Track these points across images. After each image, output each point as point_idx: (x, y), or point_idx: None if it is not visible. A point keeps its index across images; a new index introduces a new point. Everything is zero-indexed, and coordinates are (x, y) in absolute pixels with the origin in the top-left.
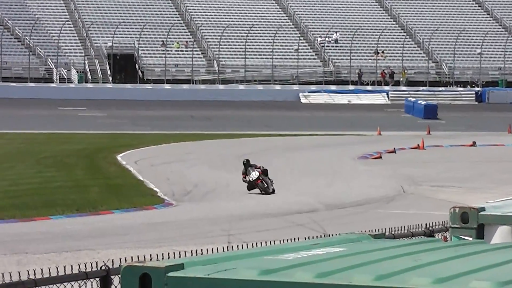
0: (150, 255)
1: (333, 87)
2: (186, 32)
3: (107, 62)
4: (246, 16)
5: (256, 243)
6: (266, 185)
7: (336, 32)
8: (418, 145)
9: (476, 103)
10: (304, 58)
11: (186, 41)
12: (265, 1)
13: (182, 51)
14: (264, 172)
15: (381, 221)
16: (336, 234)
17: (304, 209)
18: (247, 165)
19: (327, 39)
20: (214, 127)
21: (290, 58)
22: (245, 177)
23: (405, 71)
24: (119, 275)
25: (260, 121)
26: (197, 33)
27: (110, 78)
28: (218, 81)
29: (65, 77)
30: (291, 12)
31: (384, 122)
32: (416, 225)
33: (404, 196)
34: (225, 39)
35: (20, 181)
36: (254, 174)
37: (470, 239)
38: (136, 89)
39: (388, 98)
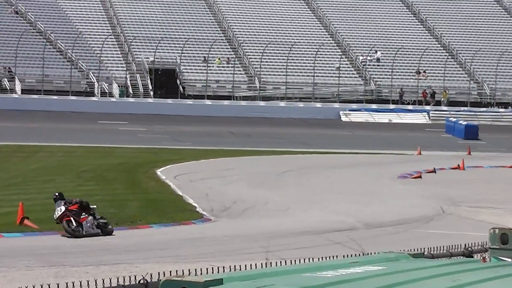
0: (189, 270)
1: (374, 106)
2: (228, 48)
3: (148, 76)
4: (288, 33)
5: (295, 260)
6: (73, 226)
7: (377, 51)
8: (458, 165)
9: None
10: (345, 76)
11: (228, 57)
12: (307, 18)
13: (224, 67)
14: (81, 207)
15: (419, 240)
16: (374, 253)
17: (342, 228)
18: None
19: (368, 57)
20: (253, 144)
21: (332, 76)
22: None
23: (447, 91)
24: None
25: (300, 139)
26: (239, 49)
27: (151, 92)
28: (259, 97)
29: (107, 91)
30: (333, 30)
31: (425, 141)
32: (455, 245)
33: (443, 217)
34: (266, 55)
35: None
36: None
37: (510, 260)
38: (177, 104)
39: (429, 118)
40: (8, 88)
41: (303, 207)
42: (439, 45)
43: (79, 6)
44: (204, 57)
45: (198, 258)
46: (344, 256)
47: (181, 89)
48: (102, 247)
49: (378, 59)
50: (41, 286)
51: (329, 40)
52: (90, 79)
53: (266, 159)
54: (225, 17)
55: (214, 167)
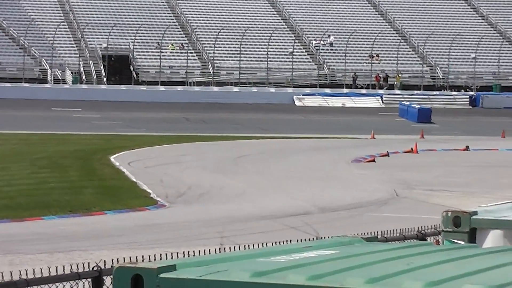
0: (143, 256)
1: (327, 90)
2: (181, 34)
3: (101, 63)
4: (241, 18)
5: (249, 245)
6: None
7: (331, 35)
8: (412, 149)
9: (470, 107)
10: (299, 61)
11: (181, 43)
12: (260, 3)
13: (177, 53)
14: None
15: (374, 224)
16: (329, 237)
17: (297, 212)
18: None
19: (322, 42)
20: (208, 129)
21: (285, 61)
22: None
23: (400, 75)
24: (111, 276)
25: (255, 124)
26: (192, 35)
27: (105, 79)
28: (213, 83)
29: (60, 78)
30: (286, 15)
31: (378, 125)
32: (408, 228)
33: (398, 200)
34: (220, 41)
35: (13, 181)
36: None
37: (462, 243)
38: (131, 91)
39: (382, 102)
40: None
41: (258, 192)
42: (392, 29)
43: None
44: (158, 43)
45: (153, 244)
46: (298, 240)
47: (135, 76)
48: (57, 234)
49: (331, 44)
50: None
51: (282, 25)
52: (43, 66)
53: (221, 145)
54: (178, 3)
55: (169, 153)
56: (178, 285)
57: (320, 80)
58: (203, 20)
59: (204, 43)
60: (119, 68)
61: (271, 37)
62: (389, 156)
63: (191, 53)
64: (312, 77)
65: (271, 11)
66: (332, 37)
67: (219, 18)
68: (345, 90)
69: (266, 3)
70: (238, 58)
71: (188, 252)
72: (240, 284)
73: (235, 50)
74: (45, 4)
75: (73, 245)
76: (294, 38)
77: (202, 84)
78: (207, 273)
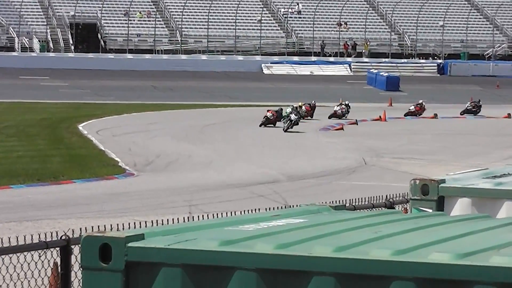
0: (111, 225)
1: (295, 58)
2: (149, 1)
3: (69, 31)
4: None
5: (217, 214)
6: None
7: (299, 3)
8: (380, 117)
9: (438, 75)
10: (267, 29)
11: (149, 11)
12: None
13: (145, 21)
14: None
15: (342, 192)
16: (297, 206)
17: (266, 180)
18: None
19: (290, 10)
20: (176, 98)
21: (253, 29)
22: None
23: (368, 43)
24: (80, 245)
25: (223, 92)
26: (160, 3)
27: (72, 47)
28: (181, 51)
29: (27, 46)
30: None
31: (346, 93)
32: (377, 197)
33: (366, 168)
34: (188, 9)
35: None
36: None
37: (430, 211)
38: (98, 59)
39: (351, 70)
40: None
41: (226, 161)
42: None
43: None
44: (125, 11)
45: (121, 213)
46: (266, 209)
47: (102, 44)
48: (25, 203)
49: (299, 12)
50: None
51: None
52: (10, 34)
53: (189, 113)
54: None
55: (137, 122)
56: (146, 254)
57: (288, 48)
58: None
59: (172, 11)
60: (86, 36)
61: (239, 5)
62: (357, 124)
63: (159, 21)
64: (280, 45)
65: None
66: (300, 5)
67: None
68: (313, 58)
69: None
70: (206, 26)
71: (157, 221)
72: (209, 252)
73: (203, 18)
74: None
75: (41, 214)
76: (262, 6)
77: (170, 52)
78: (175, 242)
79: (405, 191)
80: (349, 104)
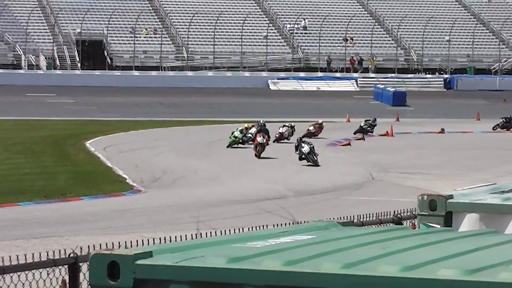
0: (119, 242)
1: (302, 74)
2: (155, 18)
3: (75, 48)
4: (216, 2)
5: (225, 231)
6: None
7: (304, 19)
8: (387, 132)
9: (445, 90)
10: (273, 45)
11: (155, 28)
12: None
13: (151, 37)
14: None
15: (349, 208)
16: (304, 222)
17: (273, 196)
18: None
19: (296, 26)
20: (183, 114)
21: (259, 45)
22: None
23: (374, 58)
24: (88, 263)
25: (229, 108)
26: (166, 19)
27: (79, 64)
28: (187, 67)
29: (34, 63)
30: None
31: (353, 109)
32: (384, 212)
33: (373, 183)
34: (194, 25)
35: None
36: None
37: (438, 226)
38: (105, 76)
39: (357, 85)
40: None
41: (233, 176)
42: (365, 12)
43: None
44: (131, 27)
45: (129, 229)
46: (274, 225)
47: (109, 60)
48: (32, 220)
49: (305, 27)
50: None
51: (256, 8)
52: (17, 51)
53: (196, 129)
54: None
55: (144, 138)
56: (154, 272)
57: (295, 64)
58: (176, 4)
59: (178, 28)
60: (93, 53)
61: (245, 21)
62: (364, 139)
63: (165, 37)
64: (286, 61)
65: None
66: (305, 21)
67: (193, 2)
68: (320, 74)
69: None
70: (212, 43)
71: (164, 238)
72: (216, 270)
73: (209, 35)
74: None
75: (49, 231)
76: (268, 22)
77: (176, 68)
78: (183, 259)
79: (413, 206)
80: (294, 126)
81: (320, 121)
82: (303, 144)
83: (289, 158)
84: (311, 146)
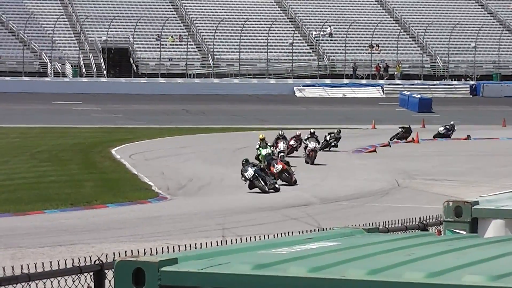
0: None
1: (327, 81)
2: (181, 25)
3: (101, 56)
4: (241, 10)
5: (250, 237)
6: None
7: (330, 26)
8: (413, 138)
9: (471, 96)
10: (298, 52)
11: (181, 35)
12: None
13: (177, 45)
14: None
15: (375, 215)
16: (330, 228)
17: (298, 203)
18: (246, 164)
19: (321, 33)
20: (208, 121)
21: (285, 52)
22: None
23: (400, 65)
24: (113, 270)
25: (255, 115)
26: (192, 27)
27: (105, 72)
28: (213, 75)
29: (60, 71)
30: (285, 6)
31: (379, 115)
32: (410, 219)
33: (399, 190)
34: (219, 33)
35: (14, 175)
36: (278, 167)
37: (464, 233)
38: (131, 83)
39: (383, 92)
40: None
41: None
42: (391, 19)
43: None
44: (157, 35)
45: (154, 237)
46: (299, 232)
47: (135, 68)
48: (58, 227)
49: (330, 34)
50: None
51: (282, 16)
52: (43, 59)
53: (221, 136)
54: None
55: (169, 146)
56: (180, 278)
57: (320, 70)
58: (202, 11)
59: (204, 35)
60: (118, 60)
61: (271, 28)
62: (390, 146)
63: (191, 45)
64: (312, 68)
65: (270, 2)
66: (331, 28)
67: (218, 9)
68: (345, 81)
69: None
70: (238, 50)
71: (190, 245)
72: (242, 276)
73: (235, 42)
74: None
75: (74, 239)
76: (293, 29)
77: (202, 76)
78: (208, 266)
79: (438, 213)
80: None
81: (298, 132)
82: (246, 167)
83: (315, 165)
84: (258, 167)
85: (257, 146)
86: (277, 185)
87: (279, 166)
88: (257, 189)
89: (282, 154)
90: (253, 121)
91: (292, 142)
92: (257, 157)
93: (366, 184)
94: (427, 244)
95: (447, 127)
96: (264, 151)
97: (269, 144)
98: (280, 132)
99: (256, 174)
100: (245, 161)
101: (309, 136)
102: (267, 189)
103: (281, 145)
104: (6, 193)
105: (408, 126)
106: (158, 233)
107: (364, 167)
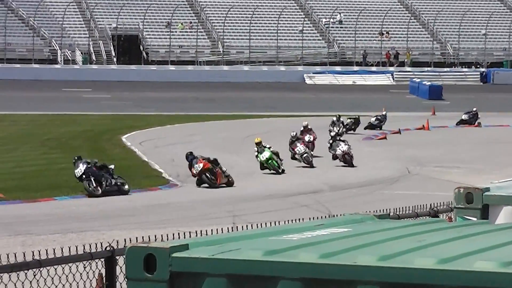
0: (155, 236)
1: (337, 68)
2: (191, 13)
3: (111, 43)
4: None
5: (261, 224)
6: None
7: (340, 13)
8: (423, 126)
9: (481, 83)
10: (308, 39)
11: (191, 22)
12: None
13: (187, 32)
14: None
15: (385, 202)
16: (340, 215)
17: (308, 190)
18: (191, 156)
19: (331, 20)
20: (218, 109)
21: (295, 39)
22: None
23: (410, 52)
24: (124, 256)
25: (265, 103)
26: (202, 14)
27: (115, 59)
28: (223, 62)
29: (70, 58)
30: None
31: (389, 103)
32: (421, 205)
33: (409, 177)
34: (229, 20)
35: (24, 163)
36: (198, 166)
37: (475, 219)
38: (141, 71)
39: (393, 79)
40: None
41: (268, 171)
42: (401, 6)
43: None
44: (167, 22)
45: (164, 223)
46: (310, 218)
47: (145, 55)
48: (69, 215)
49: (340, 21)
50: (7, 255)
51: (292, 3)
52: (53, 46)
53: (231, 124)
54: None
55: (179, 133)
56: (191, 264)
57: (330, 58)
58: None
59: (214, 22)
60: (128, 48)
61: (281, 15)
62: (400, 133)
63: (201, 32)
64: (322, 55)
65: None
66: (341, 15)
67: None
68: (356, 68)
69: None
70: (248, 37)
71: (201, 231)
72: (253, 262)
73: (245, 29)
74: None
75: (85, 225)
76: (303, 16)
77: (212, 63)
78: (219, 252)
79: (449, 199)
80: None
81: (305, 123)
82: (78, 163)
83: (325, 153)
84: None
85: (255, 153)
86: (125, 187)
87: (199, 166)
88: (270, 173)
89: (306, 155)
90: (263, 108)
91: (307, 138)
92: (261, 165)
93: (376, 172)
94: (438, 230)
95: (471, 114)
96: (263, 156)
97: (267, 146)
98: (293, 133)
99: (89, 173)
100: (77, 158)
101: (335, 121)
102: (99, 193)
103: (300, 148)
104: (16, 180)
105: (357, 117)
106: (168, 220)
107: (374, 154)
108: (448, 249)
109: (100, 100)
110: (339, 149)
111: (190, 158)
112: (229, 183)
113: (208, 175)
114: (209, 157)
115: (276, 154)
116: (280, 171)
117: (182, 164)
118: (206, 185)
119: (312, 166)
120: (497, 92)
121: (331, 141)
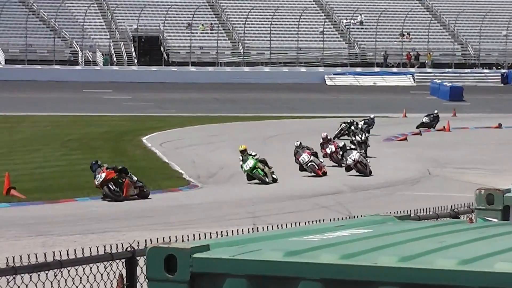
0: (176, 237)
1: (358, 69)
2: (211, 14)
3: (132, 44)
4: None
5: (281, 225)
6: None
7: (361, 14)
8: (444, 127)
9: (502, 85)
10: (329, 40)
11: (211, 23)
12: None
13: (207, 33)
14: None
15: (406, 203)
16: (361, 216)
17: (329, 191)
18: (95, 166)
19: (352, 21)
20: (239, 110)
21: (316, 40)
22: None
23: (431, 53)
24: (145, 256)
25: (285, 104)
26: (222, 15)
27: (135, 60)
28: (243, 63)
29: (90, 59)
30: None
31: (410, 104)
32: (441, 207)
33: (430, 178)
34: (250, 21)
35: (45, 163)
36: (100, 177)
37: (496, 220)
38: (161, 72)
39: (414, 80)
40: None
41: (288, 172)
42: (422, 7)
43: None
44: (188, 23)
45: (185, 224)
46: (330, 219)
47: (165, 56)
48: (89, 215)
49: (361, 22)
50: (29, 256)
51: (313, 4)
52: (74, 48)
53: (252, 125)
54: None
55: (200, 134)
56: (212, 265)
57: (351, 59)
58: (233, 0)
59: (234, 23)
60: (149, 49)
61: (301, 17)
62: (421, 134)
63: (221, 33)
64: (342, 56)
65: None
66: (362, 16)
67: None
68: (376, 69)
69: None
70: (269, 38)
71: (221, 232)
72: (273, 263)
73: (266, 30)
74: None
75: (105, 226)
76: (324, 17)
77: (232, 64)
78: (240, 252)
79: (470, 201)
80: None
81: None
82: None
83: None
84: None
85: (240, 162)
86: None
87: (100, 176)
88: (292, 174)
89: (311, 163)
90: (283, 109)
91: (329, 150)
92: (247, 176)
93: (397, 173)
94: (458, 231)
95: (431, 117)
96: (246, 165)
97: (253, 153)
98: (297, 143)
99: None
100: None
101: (354, 130)
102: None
103: (304, 157)
104: (37, 181)
105: (351, 121)
106: (189, 221)
107: (395, 155)
108: (468, 250)
109: (121, 101)
110: (350, 158)
111: (95, 167)
112: (143, 195)
113: (111, 186)
114: (115, 166)
115: (263, 162)
116: (267, 180)
117: (202, 165)
118: (220, 186)
119: (320, 175)
120: None
121: (341, 152)
